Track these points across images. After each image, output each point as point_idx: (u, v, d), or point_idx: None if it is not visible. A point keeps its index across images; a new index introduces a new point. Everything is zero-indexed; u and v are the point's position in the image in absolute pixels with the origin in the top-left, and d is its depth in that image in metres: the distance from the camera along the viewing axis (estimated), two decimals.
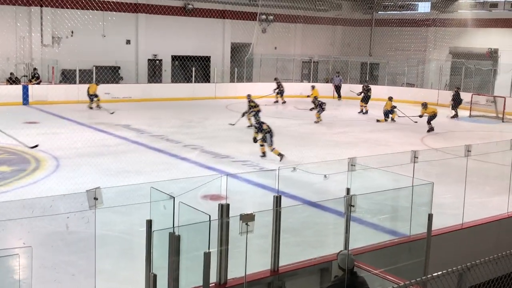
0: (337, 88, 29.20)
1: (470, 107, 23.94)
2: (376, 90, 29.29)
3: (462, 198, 8.42)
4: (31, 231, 7.94)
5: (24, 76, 24.05)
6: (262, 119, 14.86)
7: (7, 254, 4.56)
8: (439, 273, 4.01)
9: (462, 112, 24.17)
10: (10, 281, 5.34)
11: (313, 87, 24.68)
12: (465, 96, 24.65)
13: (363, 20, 34.71)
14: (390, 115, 21.53)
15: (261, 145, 14.01)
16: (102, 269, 6.41)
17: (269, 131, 13.72)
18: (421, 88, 30.04)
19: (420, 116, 19.88)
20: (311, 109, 20.84)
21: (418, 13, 33.05)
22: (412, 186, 7.05)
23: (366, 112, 23.51)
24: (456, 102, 23.54)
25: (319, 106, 20.47)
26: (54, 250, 7.57)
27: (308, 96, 24.24)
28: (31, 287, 4.23)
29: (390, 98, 21.79)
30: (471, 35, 30.42)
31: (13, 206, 8.28)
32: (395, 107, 21.24)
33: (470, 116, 23.72)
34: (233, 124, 18.50)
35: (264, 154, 13.92)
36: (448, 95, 27.20)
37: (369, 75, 32.27)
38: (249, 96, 18.72)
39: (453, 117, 23.20)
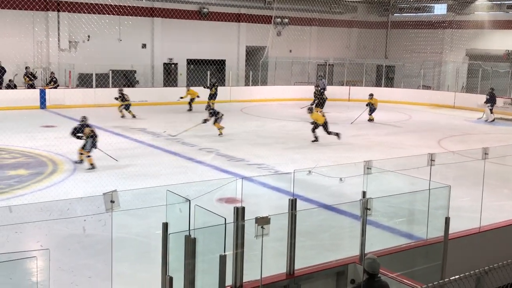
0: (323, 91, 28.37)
1: (485, 110, 23.69)
2: (392, 93, 29.26)
3: (479, 201, 8.33)
4: (48, 233, 8.02)
5: (30, 71, 24.15)
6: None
7: (25, 257, 4.61)
8: (456, 277, 3.97)
9: (480, 115, 23.93)
10: (28, 283, 5.40)
11: (188, 87, 23.66)
12: (482, 99, 24.42)
13: (378, 23, 34.59)
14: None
15: (81, 153, 12.50)
16: (119, 271, 6.45)
17: (93, 136, 12.48)
18: (437, 91, 29.86)
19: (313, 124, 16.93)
20: (204, 121, 17.28)
21: (434, 15, 32.86)
22: (429, 189, 6.99)
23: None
24: (493, 103, 23.14)
25: (214, 114, 17.22)
26: (71, 253, 7.63)
27: (181, 98, 22.72)
28: None
29: (371, 95, 21.63)
30: (488, 37, 30.16)
31: (31, 209, 8.37)
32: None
33: (481, 118, 23.48)
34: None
35: (81, 161, 12.54)
36: (464, 98, 27.09)
37: (384, 78, 32.13)
38: (121, 89, 20.62)
39: (492, 121, 22.83)
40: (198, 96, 22.83)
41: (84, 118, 12.80)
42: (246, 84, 29.59)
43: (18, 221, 7.23)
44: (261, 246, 4.95)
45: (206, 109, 17.73)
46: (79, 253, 7.69)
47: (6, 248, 7.20)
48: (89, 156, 12.29)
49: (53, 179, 11.50)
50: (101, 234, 7.38)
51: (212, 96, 23.09)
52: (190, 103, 22.89)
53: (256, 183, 11.23)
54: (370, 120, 21.51)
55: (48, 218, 7.31)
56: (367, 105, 21.55)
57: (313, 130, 16.69)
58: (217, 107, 23.23)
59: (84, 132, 12.40)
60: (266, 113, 22.90)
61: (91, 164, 12.23)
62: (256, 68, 29.88)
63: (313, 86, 24.16)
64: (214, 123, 17.18)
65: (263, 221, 4.79)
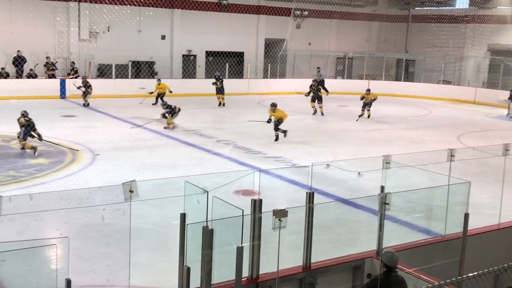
0: (321, 84, 26.38)
1: (509, 106, 23.39)
2: (412, 87, 29.00)
3: (499, 197, 8.25)
4: (67, 222, 8.12)
5: (51, 61, 24.41)
6: None
7: (44, 244, 4.68)
8: (474, 273, 3.94)
9: (500, 111, 23.65)
10: (47, 270, 5.47)
11: (159, 81, 22.09)
12: (503, 95, 24.11)
13: (399, 16, 34.27)
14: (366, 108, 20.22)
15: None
16: (137, 261, 6.52)
17: (25, 125, 12.99)
18: (458, 86, 29.54)
19: (268, 121, 15.89)
20: (163, 115, 16.97)
21: (456, 9, 32.46)
22: (448, 185, 6.93)
23: (322, 113, 20.94)
24: None
25: (169, 108, 16.79)
26: (90, 242, 7.71)
27: (151, 93, 21.44)
28: (68, 277, 4.32)
29: (368, 91, 20.44)
30: (510, 32, 29.71)
31: (51, 198, 8.47)
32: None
33: (508, 114, 23.18)
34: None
35: (23, 148, 13.01)
36: (485, 93, 26.77)
37: (404, 72, 31.85)
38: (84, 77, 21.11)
39: None
40: (170, 91, 21.54)
41: (24, 112, 13.37)
42: (265, 77, 29.56)
43: (38, 209, 7.32)
44: (278, 238, 4.95)
45: (162, 106, 17.08)
46: (98, 241, 7.77)
47: (26, 235, 7.31)
48: (24, 143, 13.02)
49: (73, 168, 11.63)
50: (120, 223, 7.45)
51: (219, 91, 22.57)
52: (157, 98, 21.45)
53: (273, 176, 11.24)
54: (361, 116, 20.22)
55: (67, 207, 7.39)
56: (361, 98, 20.37)
57: (276, 128, 15.52)
58: (234, 99, 23.32)
59: (19, 121, 13.06)
60: (284, 106, 22.80)
61: (23, 149, 12.94)
62: (275, 60, 29.81)
63: (311, 79, 22.95)
64: (167, 117, 16.65)
65: (280, 214, 4.79)
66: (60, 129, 15.60)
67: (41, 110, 19.29)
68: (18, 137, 13.08)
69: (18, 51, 23.68)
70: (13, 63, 23.58)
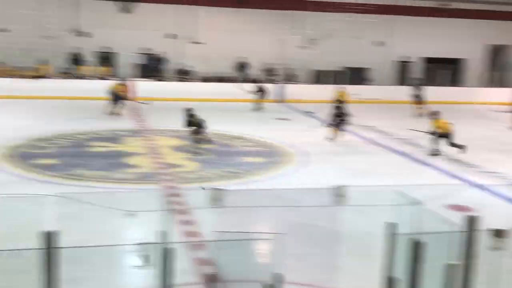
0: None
1: None
2: None
3: None
4: (278, 220, 8.52)
5: (270, 67, 25.75)
6: None
7: (258, 238, 4.99)
8: None
9: None
10: (258, 262, 5.83)
11: (339, 89, 20.37)
12: None
13: None
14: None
15: None
16: (341, 264, 6.58)
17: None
18: None
19: (432, 133, 13.92)
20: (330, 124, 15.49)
21: None
22: None
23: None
24: None
25: (337, 117, 15.33)
26: (298, 241, 7.97)
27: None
28: (278, 272, 4.53)
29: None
30: None
31: (264, 195, 9.01)
32: None
33: None
34: None
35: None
36: None
37: None
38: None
39: None
40: (340, 101, 18.83)
41: (190, 109, 13.74)
42: (487, 86, 27.67)
43: (251, 204, 7.82)
44: (495, 260, 4.61)
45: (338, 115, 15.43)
46: (305, 242, 7.99)
47: (238, 228, 7.85)
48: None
49: (285, 169, 12.19)
50: (327, 226, 7.59)
51: (417, 98, 21.44)
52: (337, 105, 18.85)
53: (490, 192, 10.43)
54: None
55: (279, 205, 7.75)
56: None
57: (435, 142, 13.81)
58: (452, 108, 22.05)
59: (187, 119, 13.61)
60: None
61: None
62: (500, 68, 27.78)
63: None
64: (330, 127, 15.36)
65: (500, 234, 4.45)
66: (275, 131, 16.53)
67: (258, 112, 20.73)
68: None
69: (241, 57, 25.63)
70: (236, 68, 25.59)
